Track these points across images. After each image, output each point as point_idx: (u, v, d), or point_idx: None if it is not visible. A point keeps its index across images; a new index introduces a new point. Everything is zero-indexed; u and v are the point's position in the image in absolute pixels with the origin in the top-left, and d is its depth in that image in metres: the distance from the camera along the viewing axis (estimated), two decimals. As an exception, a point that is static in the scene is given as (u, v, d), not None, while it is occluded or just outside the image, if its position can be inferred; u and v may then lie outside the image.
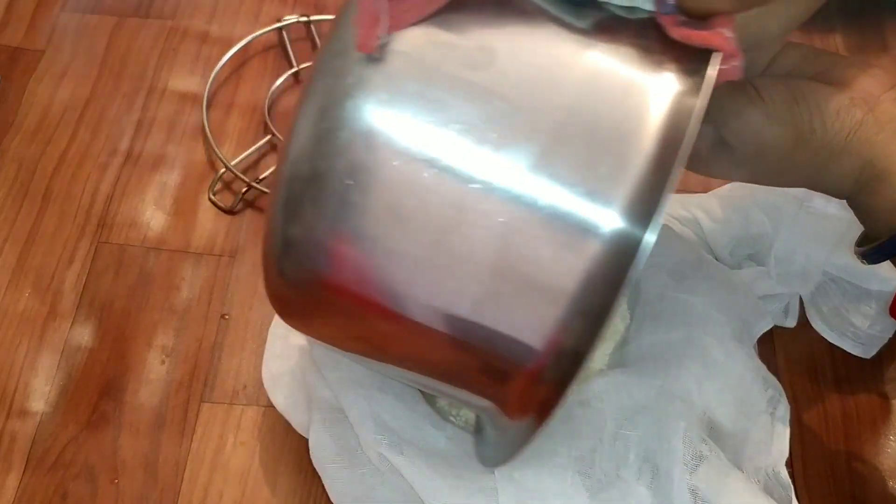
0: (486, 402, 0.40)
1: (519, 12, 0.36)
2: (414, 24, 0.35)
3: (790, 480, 0.49)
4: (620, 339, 0.54)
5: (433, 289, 0.36)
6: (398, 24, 0.35)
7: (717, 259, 0.58)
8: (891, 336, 0.57)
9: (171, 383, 0.55)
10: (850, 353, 0.58)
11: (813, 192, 0.46)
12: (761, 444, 0.50)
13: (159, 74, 0.68)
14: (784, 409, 0.51)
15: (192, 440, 0.53)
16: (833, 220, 0.57)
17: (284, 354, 0.52)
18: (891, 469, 0.54)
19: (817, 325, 0.57)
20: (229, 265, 0.60)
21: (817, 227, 0.57)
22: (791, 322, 0.58)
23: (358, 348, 0.43)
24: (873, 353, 0.57)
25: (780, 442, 0.50)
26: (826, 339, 0.59)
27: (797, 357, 0.58)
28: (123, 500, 0.51)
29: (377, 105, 0.35)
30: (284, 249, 0.37)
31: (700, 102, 0.33)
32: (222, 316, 0.58)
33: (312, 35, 0.71)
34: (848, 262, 0.55)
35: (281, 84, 0.68)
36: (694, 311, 0.51)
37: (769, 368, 0.52)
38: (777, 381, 0.52)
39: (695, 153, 0.37)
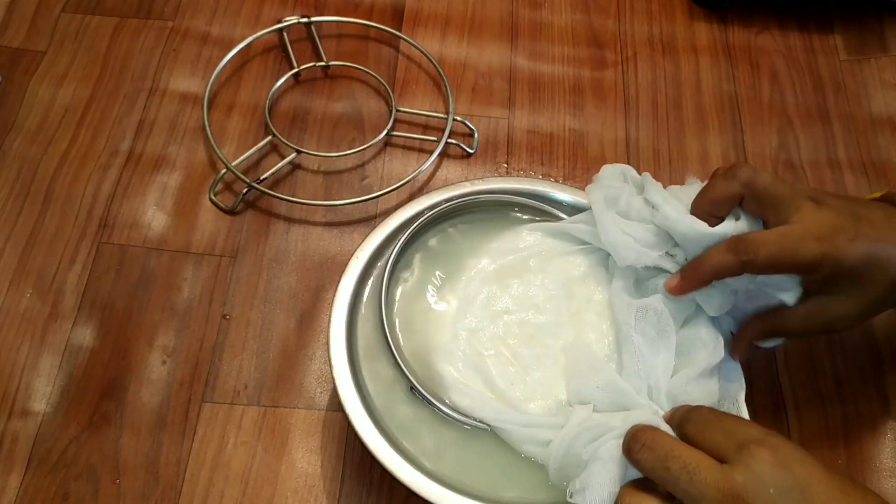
0: None
1: None
2: None
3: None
4: None
5: None
6: None
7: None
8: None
9: (172, 383, 0.55)
10: (849, 354, 0.58)
11: None
12: None
13: (160, 75, 0.68)
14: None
15: (193, 440, 0.53)
16: None
17: None
18: (891, 469, 0.55)
19: None
20: (230, 265, 0.60)
21: None
22: None
23: None
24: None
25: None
26: (825, 339, 0.59)
27: (797, 357, 0.59)
28: (125, 500, 0.51)
29: None
30: None
31: None
32: (223, 316, 0.58)
33: (313, 36, 0.71)
34: None
35: (281, 85, 0.68)
36: None
37: (769, 369, 0.52)
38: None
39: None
